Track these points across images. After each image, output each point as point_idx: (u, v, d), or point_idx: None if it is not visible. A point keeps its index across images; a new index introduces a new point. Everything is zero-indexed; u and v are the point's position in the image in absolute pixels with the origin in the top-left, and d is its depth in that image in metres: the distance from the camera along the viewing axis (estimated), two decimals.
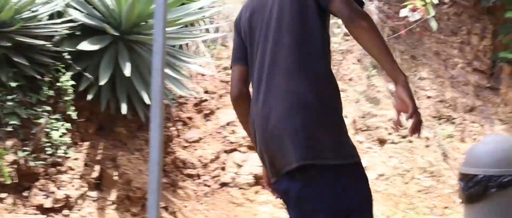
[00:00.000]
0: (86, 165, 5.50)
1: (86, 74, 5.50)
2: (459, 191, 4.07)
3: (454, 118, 9.55)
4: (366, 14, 2.27)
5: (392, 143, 8.16)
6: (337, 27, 8.68)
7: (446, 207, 7.51)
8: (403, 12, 8.75)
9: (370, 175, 7.43)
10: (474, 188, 3.82)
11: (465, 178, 3.92)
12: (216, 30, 6.89)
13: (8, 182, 4.88)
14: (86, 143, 5.63)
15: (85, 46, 5.36)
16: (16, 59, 5.14)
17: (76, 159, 5.39)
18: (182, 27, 6.00)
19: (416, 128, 2.38)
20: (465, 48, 10.33)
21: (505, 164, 3.82)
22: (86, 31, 5.57)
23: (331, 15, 2.41)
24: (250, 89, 2.59)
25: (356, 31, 2.26)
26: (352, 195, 2.30)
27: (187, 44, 6.49)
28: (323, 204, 2.24)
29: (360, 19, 2.22)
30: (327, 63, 2.41)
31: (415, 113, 2.28)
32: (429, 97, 9.63)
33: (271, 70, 2.35)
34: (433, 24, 9.01)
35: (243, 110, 2.59)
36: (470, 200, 3.88)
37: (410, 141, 8.06)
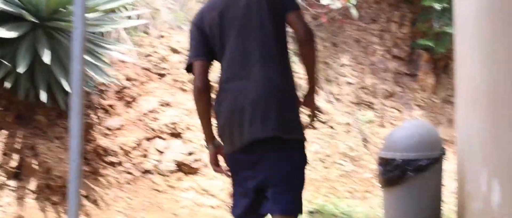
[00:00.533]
0: (4, 154, 5.70)
1: (4, 61, 5.67)
2: (379, 175, 4.50)
3: (374, 104, 10.23)
4: (314, 34, 3.15)
5: (313, 128, 8.67)
6: None
7: (366, 191, 8.05)
8: (325, 0, 9.25)
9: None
10: (393, 172, 4.26)
11: (384, 162, 4.36)
12: (138, 17, 7.10)
13: None
14: (4, 132, 5.82)
15: (2, 33, 5.52)
16: None
17: None
18: (103, 14, 6.13)
19: (312, 121, 3.51)
20: (385, 36, 11.03)
21: (422, 148, 4.30)
22: (3, 18, 5.69)
23: None
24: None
25: (307, 48, 3.17)
26: (304, 163, 3.28)
27: (108, 31, 6.63)
28: (293, 163, 3.18)
29: (312, 40, 3.15)
30: (289, 57, 3.23)
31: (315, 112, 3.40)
32: (349, 83, 10.28)
33: (250, 59, 3.12)
34: (354, 12, 9.61)
35: (206, 100, 3.29)
36: (389, 183, 4.33)
37: (331, 127, 8.57)
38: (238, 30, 3.16)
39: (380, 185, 4.61)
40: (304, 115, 3.43)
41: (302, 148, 3.26)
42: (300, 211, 3.20)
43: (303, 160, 3.28)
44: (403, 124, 4.67)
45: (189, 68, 3.33)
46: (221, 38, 3.19)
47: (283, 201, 3.12)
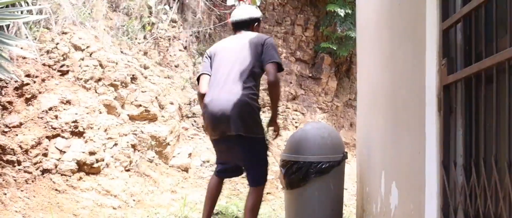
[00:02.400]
0: None
1: None
2: (281, 177, 4.61)
3: (277, 106, 10.35)
4: (279, 80, 4.47)
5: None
6: (164, 14, 9.07)
7: (268, 193, 8.11)
8: (230, 1, 9.26)
9: (195, 161, 7.95)
10: (295, 174, 4.35)
11: (287, 164, 4.46)
12: (39, 12, 6.94)
13: None
14: None
15: None
16: None
17: None
18: (2, 7, 5.94)
19: (276, 136, 4.92)
20: (289, 38, 11.24)
21: (324, 151, 4.41)
22: None
23: None
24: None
25: (271, 89, 4.43)
26: (262, 151, 4.54)
27: (7, 25, 6.47)
28: (252, 153, 4.50)
29: (277, 84, 4.43)
30: (256, 83, 4.52)
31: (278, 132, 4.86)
32: None
33: (228, 79, 4.53)
34: None
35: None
36: (291, 185, 4.43)
37: None
38: (229, 61, 4.62)
39: (282, 187, 4.70)
40: (270, 133, 5.00)
41: (258, 142, 4.47)
42: (263, 182, 4.55)
43: (260, 150, 4.52)
44: (305, 127, 4.69)
45: (198, 80, 4.82)
46: (216, 63, 4.72)
47: (250, 177, 4.56)
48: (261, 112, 4.62)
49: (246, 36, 4.75)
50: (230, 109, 4.36)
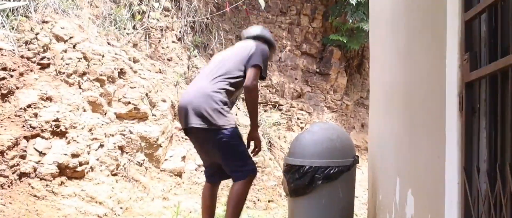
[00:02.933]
0: None
1: None
2: (284, 183, 4.57)
3: (281, 105, 10.39)
4: (257, 86, 4.71)
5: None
6: (155, 1, 9.06)
7: (270, 201, 8.17)
8: None
9: (189, 165, 7.95)
10: (300, 180, 4.31)
11: (291, 169, 4.43)
12: None
13: None
14: None
15: None
16: None
17: None
18: None
19: (257, 152, 5.11)
20: (294, 30, 11.25)
21: (332, 154, 4.37)
22: None
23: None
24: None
25: (247, 94, 4.71)
26: (233, 143, 4.72)
27: None
28: (220, 146, 4.73)
29: (255, 89, 4.69)
30: (231, 83, 4.82)
31: (260, 147, 5.10)
32: None
33: (202, 77, 4.97)
34: (261, 2, 9.58)
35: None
36: (296, 192, 4.39)
37: None
38: (214, 62, 5.10)
39: (285, 194, 4.67)
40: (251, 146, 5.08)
41: (225, 134, 4.67)
42: (244, 176, 4.74)
43: (229, 141, 4.69)
44: (312, 127, 4.66)
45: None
46: (208, 64, 5.26)
47: (228, 172, 4.87)
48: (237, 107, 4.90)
49: (244, 43, 5.18)
50: (190, 101, 4.79)
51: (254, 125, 4.95)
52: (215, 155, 4.88)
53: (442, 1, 2.46)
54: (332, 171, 4.32)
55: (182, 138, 8.35)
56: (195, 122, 4.72)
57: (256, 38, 5.20)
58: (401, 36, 3.60)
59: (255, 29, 5.40)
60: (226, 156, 4.81)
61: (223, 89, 4.80)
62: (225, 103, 4.77)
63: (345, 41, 11.18)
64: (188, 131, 4.93)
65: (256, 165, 8.38)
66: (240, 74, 4.85)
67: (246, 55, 4.86)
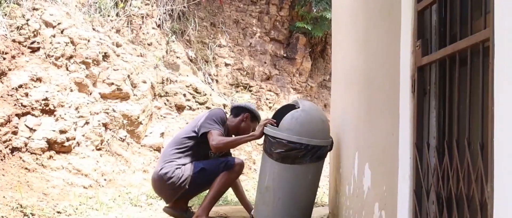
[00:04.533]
0: None
1: None
2: (272, 148, 4.39)
3: (251, 86, 10.39)
4: (221, 141, 4.64)
5: (190, 109, 8.73)
6: None
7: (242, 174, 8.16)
8: None
9: (168, 141, 7.90)
10: (293, 152, 4.13)
11: (282, 142, 4.16)
12: None
13: None
14: None
15: None
16: None
17: None
18: None
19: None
20: (264, 18, 11.22)
21: (323, 135, 4.24)
22: None
23: None
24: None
25: (220, 150, 4.80)
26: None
27: None
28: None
29: (221, 146, 4.66)
30: (186, 149, 4.93)
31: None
32: (227, 64, 10.40)
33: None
34: None
35: None
36: (283, 160, 4.17)
37: (208, 108, 8.57)
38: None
39: (268, 154, 4.46)
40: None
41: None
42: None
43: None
44: (303, 106, 4.43)
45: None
46: None
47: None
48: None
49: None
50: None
51: (253, 137, 4.71)
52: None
53: None
54: (324, 151, 4.26)
55: (161, 116, 8.33)
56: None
57: (237, 109, 5.15)
58: (360, 24, 3.61)
59: (240, 103, 5.65)
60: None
61: (177, 157, 4.96)
62: (177, 168, 4.89)
63: (310, 29, 11.19)
64: None
65: None
66: (193, 140, 4.93)
67: (198, 124, 4.92)
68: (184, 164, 4.86)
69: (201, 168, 4.81)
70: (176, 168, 4.84)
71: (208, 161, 4.87)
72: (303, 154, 4.16)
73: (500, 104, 1.46)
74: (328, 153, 4.46)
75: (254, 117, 5.05)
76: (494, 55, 1.51)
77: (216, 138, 4.65)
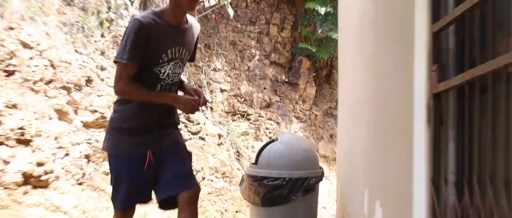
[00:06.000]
0: None
1: None
2: (251, 192, 4.47)
3: (249, 114, 10.37)
4: (122, 88, 3.91)
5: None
6: (124, 9, 9.02)
7: (237, 211, 8.19)
8: None
9: None
10: (277, 191, 4.21)
11: (262, 179, 4.28)
12: None
13: None
14: None
15: None
16: None
17: None
18: None
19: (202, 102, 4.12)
20: (263, 39, 11.25)
21: (308, 166, 4.34)
22: None
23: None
24: None
25: (116, 93, 4.01)
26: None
27: None
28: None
29: (120, 93, 3.96)
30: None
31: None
32: (223, 90, 10.40)
33: None
34: (230, 11, 9.65)
35: None
36: (270, 202, 4.26)
37: (202, 138, 8.60)
38: None
39: (252, 203, 4.58)
40: None
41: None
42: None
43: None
44: (281, 137, 4.59)
45: None
46: None
47: None
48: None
49: None
50: None
51: (163, 100, 4.04)
52: None
53: (410, 12, 2.46)
54: (310, 182, 4.28)
55: None
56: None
57: None
58: (370, 46, 3.61)
59: None
60: None
61: (118, 105, 4.21)
62: (115, 122, 4.18)
63: (314, 51, 11.22)
64: None
65: (224, 175, 8.44)
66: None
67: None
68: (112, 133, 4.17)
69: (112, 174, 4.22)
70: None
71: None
72: (288, 191, 4.19)
73: None
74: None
75: None
76: None
77: (116, 81, 3.91)
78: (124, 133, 4.15)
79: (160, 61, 3.93)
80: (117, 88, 3.93)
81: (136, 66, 3.85)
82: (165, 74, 4.00)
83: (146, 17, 3.84)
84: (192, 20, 4.17)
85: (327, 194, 8.43)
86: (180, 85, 4.26)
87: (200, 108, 4.16)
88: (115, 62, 3.91)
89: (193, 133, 8.87)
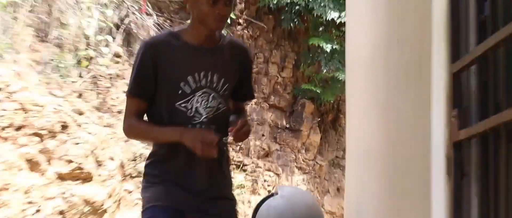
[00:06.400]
0: None
1: None
2: None
3: (246, 165, 10.35)
4: (128, 128, 3.55)
5: None
6: (105, 46, 9.05)
7: None
8: None
9: None
10: None
11: None
12: None
13: None
14: None
15: None
16: None
17: None
18: None
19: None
20: (262, 80, 11.29)
21: None
22: None
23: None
24: None
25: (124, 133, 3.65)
26: None
27: None
28: None
29: (127, 133, 3.66)
30: None
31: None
32: None
33: None
34: None
35: None
36: None
37: None
38: None
39: None
40: None
41: None
42: None
43: None
44: (282, 191, 4.51)
45: None
46: None
47: None
48: None
49: None
50: None
51: (173, 137, 3.42)
52: None
53: (427, 51, 2.47)
54: None
55: (132, 202, 8.27)
56: None
57: None
58: (381, 88, 3.62)
59: None
60: None
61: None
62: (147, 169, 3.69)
63: (318, 92, 11.23)
64: None
65: None
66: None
67: None
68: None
69: None
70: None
71: None
72: None
73: None
74: None
75: None
76: None
77: (125, 121, 3.56)
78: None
79: (180, 92, 3.36)
80: (123, 126, 3.55)
81: (143, 100, 3.45)
82: (194, 110, 3.38)
83: (157, 37, 3.60)
84: (230, 39, 3.72)
85: None
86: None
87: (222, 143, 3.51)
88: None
89: None
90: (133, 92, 3.46)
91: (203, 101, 3.37)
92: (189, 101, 3.35)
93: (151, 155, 3.59)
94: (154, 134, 3.49)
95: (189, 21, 3.46)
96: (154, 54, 3.34)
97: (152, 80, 3.36)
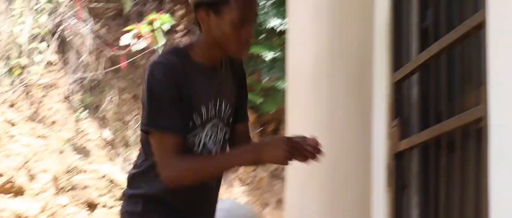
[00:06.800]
0: None
1: None
2: None
3: None
4: (172, 174, 2.82)
5: (105, 207, 8.57)
6: (38, 53, 8.92)
7: None
8: (125, 39, 9.21)
9: None
10: None
11: None
12: None
13: None
14: None
15: None
16: None
17: None
18: None
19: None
20: None
21: None
22: None
23: None
24: None
25: (169, 183, 2.83)
26: None
27: None
28: None
29: (172, 181, 2.81)
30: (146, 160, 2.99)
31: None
32: None
33: None
34: None
35: None
36: None
37: None
38: None
39: None
40: None
41: None
42: None
43: None
44: (220, 205, 4.49)
45: None
46: None
47: None
48: None
49: None
50: None
51: (250, 157, 2.91)
52: None
53: (368, 60, 2.49)
54: None
55: (66, 216, 8.16)
56: None
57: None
58: (323, 98, 3.64)
59: None
60: None
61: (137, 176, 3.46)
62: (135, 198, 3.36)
63: (259, 103, 11.22)
64: None
65: None
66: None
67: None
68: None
69: None
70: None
71: None
72: None
73: (497, 202, 1.46)
74: None
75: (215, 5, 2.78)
76: (489, 139, 1.52)
77: (163, 165, 2.77)
78: None
79: (191, 125, 2.87)
80: (168, 173, 2.80)
81: (179, 134, 2.80)
82: (201, 145, 2.92)
83: (170, 57, 2.58)
84: None
85: None
86: None
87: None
88: (145, 132, 2.88)
89: (119, 199, 8.75)
90: (167, 126, 2.77)
91: (212, 135, 2.91)
92: (197, 135, 2.87)
93: (143, 198, 2.95)
94: (220, 164, 2.91)
95: (196, 36, 2.95)
96: (177, 78, 2.76)
97: (180, 109, 2.81)
